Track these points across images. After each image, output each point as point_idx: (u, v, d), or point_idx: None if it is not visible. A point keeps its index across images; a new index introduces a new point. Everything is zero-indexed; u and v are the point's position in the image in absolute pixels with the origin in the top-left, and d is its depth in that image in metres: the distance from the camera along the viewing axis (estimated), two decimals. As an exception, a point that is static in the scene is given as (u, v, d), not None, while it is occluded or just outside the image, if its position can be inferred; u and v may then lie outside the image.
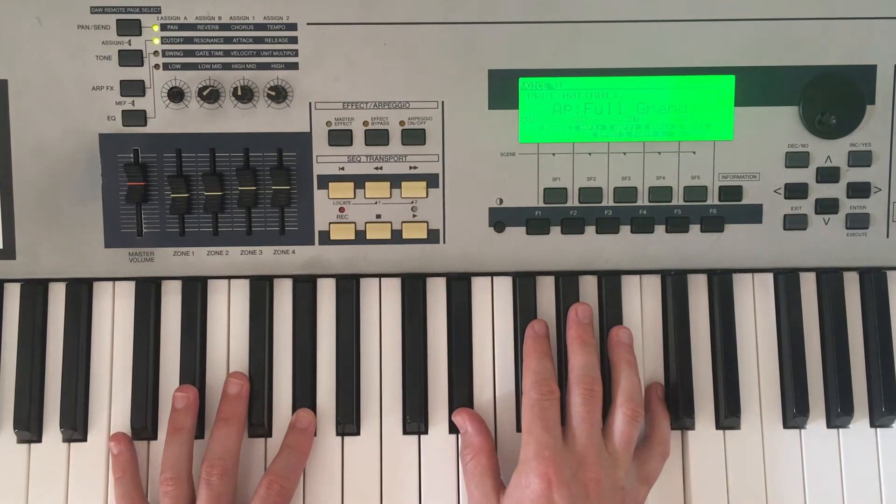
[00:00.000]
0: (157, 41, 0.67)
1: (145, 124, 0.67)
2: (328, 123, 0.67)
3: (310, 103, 0.67)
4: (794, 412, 0.68)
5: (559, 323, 0.69)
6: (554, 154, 0.68)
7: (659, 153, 0.68)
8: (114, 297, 0.69)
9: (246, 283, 0.69)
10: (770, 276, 0.71)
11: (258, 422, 0.67)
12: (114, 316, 0.69)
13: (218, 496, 0.62)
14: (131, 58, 0.66)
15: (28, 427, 0.67)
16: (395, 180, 0.68)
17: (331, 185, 0.68)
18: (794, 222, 0.69)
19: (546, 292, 0.70)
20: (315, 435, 0.68)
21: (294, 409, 0.68)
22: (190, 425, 0.66)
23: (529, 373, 0.66)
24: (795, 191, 0.68)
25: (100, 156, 0.67)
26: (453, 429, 0.68)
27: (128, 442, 0.66)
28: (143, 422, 0.67)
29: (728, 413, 0.68)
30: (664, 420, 0.68)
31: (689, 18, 0.67)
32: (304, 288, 0.69)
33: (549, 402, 0.64)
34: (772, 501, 0.68)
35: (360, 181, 0.68)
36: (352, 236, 0.68)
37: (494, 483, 0.64)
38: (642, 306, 0.70)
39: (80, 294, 0.68)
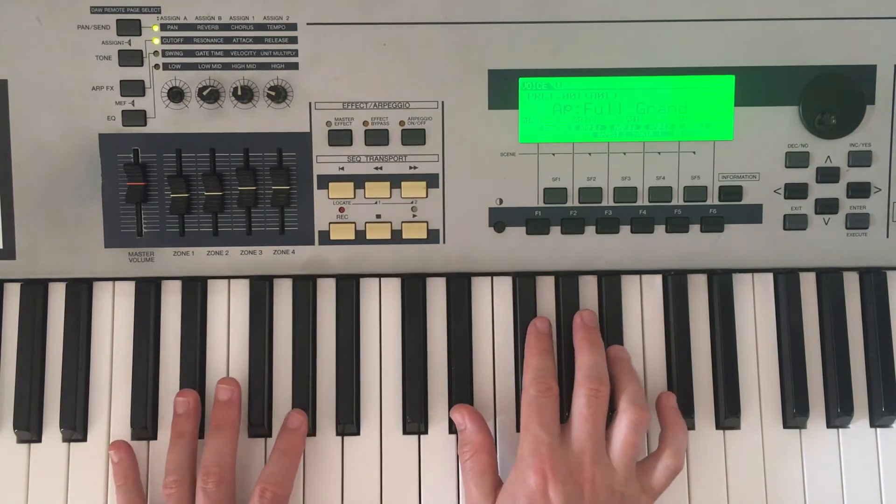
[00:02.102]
0: (157, 41, 0.67)
1: (145, 124, 0.67)
2: (328, 123, 0.67)
3: (310, 103, 0.67)
4: (794, 412, 0.68)
5: (559, 323, 0.69)
6: (554, 154, 0.68)
7: (659, 153, 0.68)
8: (114, 297, 0.69)
9: (246, 283, 0.69)
10: (770, 276, 0.71)
11: (258, 422, 0.67)
12: (114, 316, 0.69)
13: (215, 502, 0.62)
14: (131, 58, 0.66)
15: (28, 427, 0.67)
16: (395, 180, 0.68)
17: (331, 185, 0.68)
18: (794, 222, 0.69)
19: (546, 292, 0.70)
20: (314, 435, 0.68)
21: (294, 408, 0.67)
22: (192, 429, 0.66)
23: (529, 369, 0.65)
24: (795, 191, 0.68)
25: (100, 156, 0.67)
26: (453, 429, 0.68)
27: (128, 449, 0.66)
28: (143, 422, 0.67)
29: (728, 413, 0.68)
30: (678, 431, 0.66)
31: (689, 18, 0.67)
32: (304, 288, 0.69)
33: (546, 399, 0.64)
34: (772, 501, 0.68)
35: (360, 181, 0.68)
36: (352, 236, 0.68)
37: (494, 481, 0.64)
38: (642, 306, 0.70)
39: (80, 294, 0.68)
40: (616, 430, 0.63)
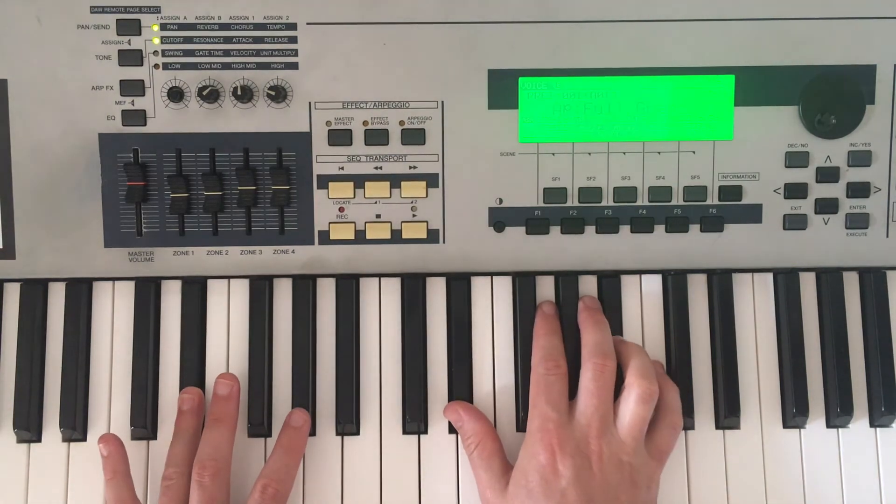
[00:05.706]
0: (156, 41, 0.67)
1: (145, 124, 0.67)
2: (328, 123, 0.67)
3: (310, 103, 0.67)
4: (794, 412, 0.68)
5: (560, 323, 0.69)
6: (554, 154, 0.68)
7: (659, 153, 0.68)
8: (113, 296, 0.69)
9: (246, 282, 0.69)
10: (770, 276, 0.71)
11: (257, 421, 0.67)
12: (114, 316, 0.69)
13: (210, 497, 0.62)
14: (131, 58, 0.66)
15: (28, 427, 0.67)
16: (395, 180, 0.68)
17: (330, 184, 0.68)
18: (794, 222, 0.69)
19: (546, 292, 0.70)
20: (314, 434, 0.68)
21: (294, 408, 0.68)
22: (195, 425, 0.66)
23: (538, 348, 0.66)
24: (795, 191, 0.68)
25: (100, 156, 0.67)
26: (453, 428, 0.68)
27: (117, 443, 0.65)
28: (143, 422, 0.67)
29: (728, 413, 0.68)
30: (670, 390, 0.66)
31: (689, 18, 0.67)
32: (304, 288, 0.69)
33: (554, 376, 0.64)
34: (772, 501, 0.68)
35: (359, 181, 0.68)
36: (351, 236, 0.68)
37: (503, 464, 0.65)
38: (642, 306, 0.70)
39: (80, 294, 0.68)
40: (624, 404, 0.64)
